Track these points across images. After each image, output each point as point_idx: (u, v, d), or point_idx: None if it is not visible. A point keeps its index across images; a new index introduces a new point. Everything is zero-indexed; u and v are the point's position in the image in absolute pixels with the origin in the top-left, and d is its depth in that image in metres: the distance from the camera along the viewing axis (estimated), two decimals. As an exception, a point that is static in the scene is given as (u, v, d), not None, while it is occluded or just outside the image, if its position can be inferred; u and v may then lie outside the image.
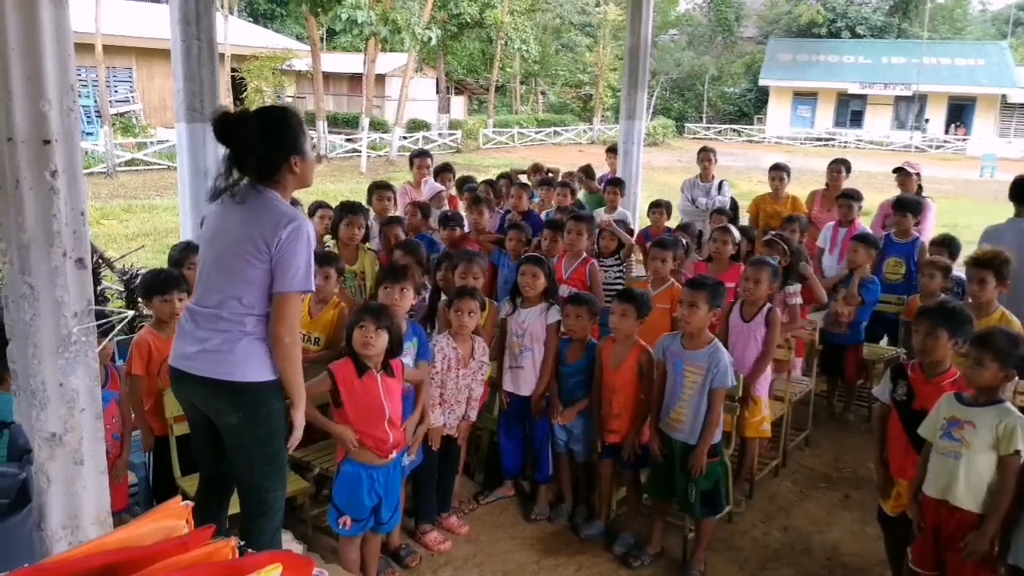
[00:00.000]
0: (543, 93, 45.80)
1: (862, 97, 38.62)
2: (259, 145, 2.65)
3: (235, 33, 23.72)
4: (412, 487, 3.90)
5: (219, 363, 2.64)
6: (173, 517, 1.50)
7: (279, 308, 2.63)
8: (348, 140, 25.58)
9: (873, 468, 3.69)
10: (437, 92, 37.17)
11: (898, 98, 37.92)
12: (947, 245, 5.44)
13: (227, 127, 2.67)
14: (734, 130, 39.66)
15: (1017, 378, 3.26)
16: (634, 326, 3.83)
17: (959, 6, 48.15)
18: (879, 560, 3.76)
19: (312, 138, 20.93)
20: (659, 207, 6.50)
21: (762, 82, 40.28)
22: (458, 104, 39.60)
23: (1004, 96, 36.45)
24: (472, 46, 37.51)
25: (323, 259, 4.24)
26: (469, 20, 33.13)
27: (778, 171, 6.85)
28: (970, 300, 4.27)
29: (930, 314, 3.27)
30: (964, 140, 35.28)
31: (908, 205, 5.84)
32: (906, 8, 44.91)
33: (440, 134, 31.00)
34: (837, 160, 6.97)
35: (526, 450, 4.27)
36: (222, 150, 2.73)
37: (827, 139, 36.71)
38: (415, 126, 30.15)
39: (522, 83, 42.75)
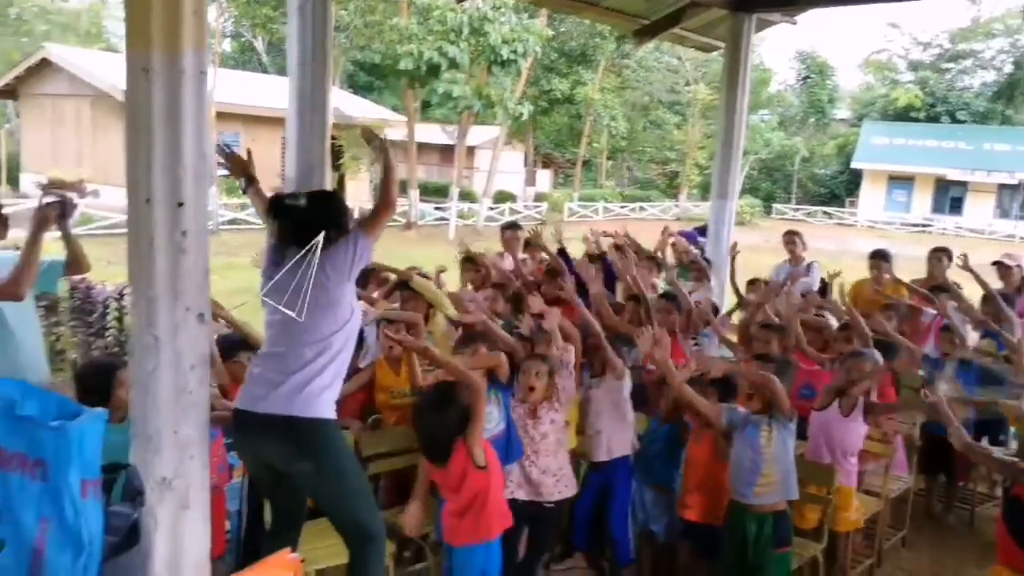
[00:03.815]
0: (629, 168, 46.15)
1: (962, 184, 37.42)
2: (311, 219, 3.03)
3: (336, 103, 24.90)
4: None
5: (288, 402, 2.89)
6: (283, 568, 1.56)
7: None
8: (437, 208, 26.26)
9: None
10: (525, 165, 37.93)
11: (1002, 186, 36.59)
12: None
13: (280, 207, 3.13)
14: (824, 212, 38.96)
15: None
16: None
17: (1066, 93, 46.59)
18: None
19: (404, 205, 21.53)
20: (755, 285, 6.41)
21: (855, 165, 39.58)
22: (544, 177, 40.25)
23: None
24: (561, 121, 38.28)
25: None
26: (560, 96, 33.93)
27: (879, 258, 6.72)
28: None
29: None
30: (1072, 231, 33.72)
31: (1006, 298, 5.77)
32: (1011, 94, 43.69)
33: (526, 206, 31.50)
34: (938, 248, 6.81)
35: (598, 527, 4.19)
36: None
37: (924, 225, 35.66)
38: (502, 197, 30.73)
39: (608, 158, 43.22)
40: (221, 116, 22.84)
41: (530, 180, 37.92)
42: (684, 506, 3.90)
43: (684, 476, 3.93)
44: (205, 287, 2.65)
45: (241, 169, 3.60)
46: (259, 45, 36.68)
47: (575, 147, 38.34)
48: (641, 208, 34.94)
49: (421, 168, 31.49)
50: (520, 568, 3.94)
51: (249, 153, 3.65)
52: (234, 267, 14.80)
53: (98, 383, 3.21)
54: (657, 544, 4.08)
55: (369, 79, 37.82)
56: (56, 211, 3.56)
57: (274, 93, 22.73)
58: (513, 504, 3.76)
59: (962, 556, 4.80)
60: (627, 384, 4.08)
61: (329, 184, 5.53)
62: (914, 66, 47.38)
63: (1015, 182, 35.56)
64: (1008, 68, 44.85)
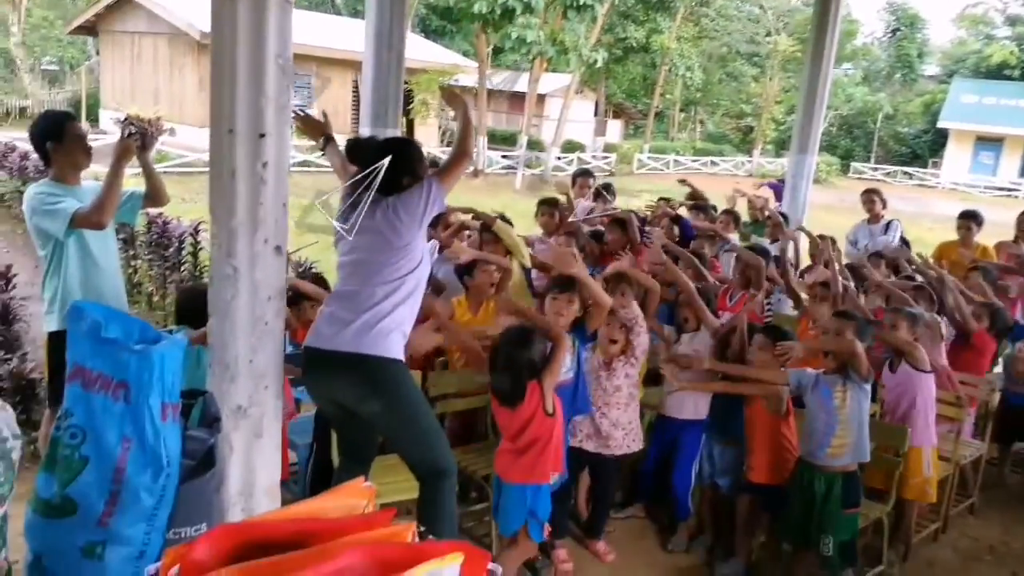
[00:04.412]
0: (701, 122, 45.04)
1: (1055, 147, 35.52)
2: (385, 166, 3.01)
3: (408, 47, 24.78)
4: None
5: (358, 339, 2.90)
6: (356, 496, 1.59)
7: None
8: (505, 157, 26.11)
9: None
10: (595, 114, 37.33)
11: (1099, 151, 34.61)
12: None
13: (357, 149, 3.14)
14: (905, 172, 37.45)
15: None
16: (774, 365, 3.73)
17: None
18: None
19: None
20: (824, 241, 6.21)
21: (941, 123, 37.78)
22: (614, 128, 39.59)
23: None
24: (635, 70, 37.42)
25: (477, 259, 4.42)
26: (635, 45, 33.07)
27: (968, 219, 6.50)
28: None
29: None
30: None
31: None
32: (1115, 53, 41.02)
33: (594, 156, 31.09)
34: None
35: (660, 479, 4.17)
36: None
37: (1010, 189, 34.00)
38: (570, 147, 30.39)
39: (681, 110, 42.21)
40: (295, 57, 22.97)
41: (600, 130, 37.33)
42: (749, 468, 3.85)
43: (747, 438, 3.87)
44: (284, 219, 2.67)
45: (318, 131, 3.63)
46: (333, -13, 36.65)
47: (647, 98, 37.51)
48: (713, 163, 34.15)
49: (490, 115, 31.31)
50: (590, 523, 3.99)
51: (325, 115, 3.69)
52: (301, 207, 15.11)
53: (196, 308, 3.30)
54: (720, 497, 4.05)
55: (442, 23, 37.51)
56: (137, 143, 3.63)
57: (347, 35, 22.71)
58: (580, 453, 3.78)
59: (1037, 529, 4.65)
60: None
61: (399, 126, 5.52)
62: (1012, 21, 44.68)
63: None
64: (1117, 24, 41.97)
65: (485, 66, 25.12)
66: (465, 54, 30.73)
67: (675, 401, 4.04)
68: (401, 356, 3.02)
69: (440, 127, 27.43)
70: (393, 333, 2.97)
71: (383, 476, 3.44)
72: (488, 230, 4.83)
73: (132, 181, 3.88)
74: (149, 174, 3.88)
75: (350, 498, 1.56)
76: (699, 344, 4.05)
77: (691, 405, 4.02)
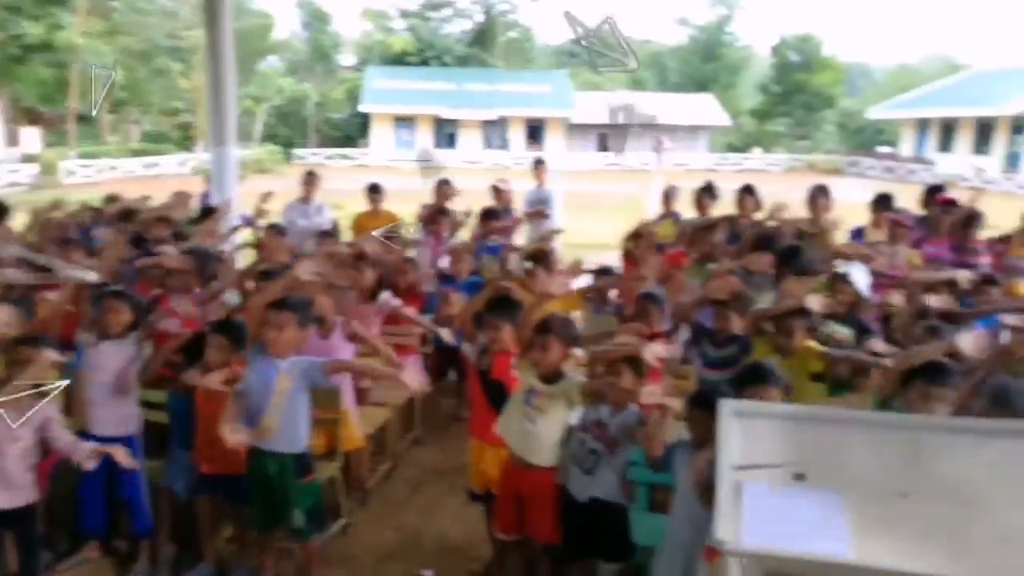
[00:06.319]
0: (137, 122, 42.34)
1: (454, 121, 41.94)
2: None
3: None
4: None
5: None
6: None
7: None
8: None
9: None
10: (4, 122, 32.46)
11: (484, 121, 41.85)
12: None
13: None
14: (342, 155, 40.43)
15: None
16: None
17: (527, 40, 54.54)
18: (482, 537, 4.10)
19: None
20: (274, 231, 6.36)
21: (362, 108, 41.81)
22: (32, 135, 34.99)
23: (568, 118, 42.17)
24: (42, 71, 33.34)
25: None
26: (35, 42, 29.42)
27: (375, 192, 7.70)
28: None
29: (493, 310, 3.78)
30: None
31: (494, 214, 7.12)
32: (484, 40, 49.76)
33: (11, 170, 27.01)
34: (442, 181, 7.76)
35: (111, 502, 3.87)
36: None
37: (427, 160, 39.12)
38: (-27, 162, 25.93)
39: (111, 111, 39.06)
40: None
41: (12, 139, 32.59)
42: (202, 461, 3.77)
43: (202, 430, 3.76)
44: None
45: None
46: None
47: (66, 100, 33.81)
48: (155, 164, 32.42)
49: None
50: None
51: None
52: None
53: None
54: (178, 502, 3.91)
55: None
56: None
57: None
58: None
59: (463, 442, 5.46)
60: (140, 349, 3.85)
61: None
62: (405, 14, 51.05)
63: (494, 118, 41.11)
64: (479, 17, 50.93)
65: None
66: None
67: (98, 418, 3.75)
68: None
69: None
70: None
71: None
72: None
73: None
74: None
75: None
76: (108, 354, 3.84)
77: (112, 422, 3.78)
